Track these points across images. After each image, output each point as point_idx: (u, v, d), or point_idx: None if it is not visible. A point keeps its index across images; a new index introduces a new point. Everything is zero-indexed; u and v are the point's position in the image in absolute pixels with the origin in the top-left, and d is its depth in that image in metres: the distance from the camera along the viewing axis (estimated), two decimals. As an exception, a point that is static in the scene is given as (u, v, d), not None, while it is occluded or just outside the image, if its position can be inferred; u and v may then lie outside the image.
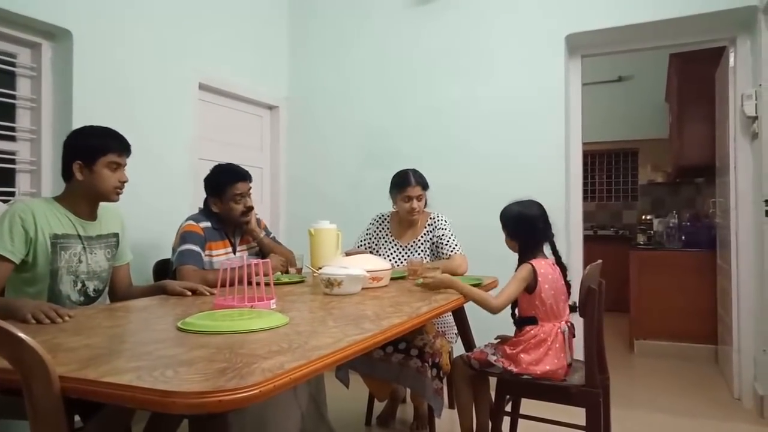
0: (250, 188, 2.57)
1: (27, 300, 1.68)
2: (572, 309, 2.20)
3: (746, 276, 3.15)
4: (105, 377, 1.00)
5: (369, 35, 3.91)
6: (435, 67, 3.70)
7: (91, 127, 1.99)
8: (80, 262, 1.93)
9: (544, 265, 2.11)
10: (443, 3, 3.68)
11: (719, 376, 3.77)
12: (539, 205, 2.25)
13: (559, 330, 2.08)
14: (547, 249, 2.22)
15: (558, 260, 2.20)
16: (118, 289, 2.14)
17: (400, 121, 3.78)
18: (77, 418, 1.67)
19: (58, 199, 1.94)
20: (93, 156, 1.89)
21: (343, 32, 3.99)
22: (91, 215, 1.99)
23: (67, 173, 1.92)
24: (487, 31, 3.57)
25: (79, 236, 1.93)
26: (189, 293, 2.00)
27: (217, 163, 2.63)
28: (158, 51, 3.00)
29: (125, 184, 1.99)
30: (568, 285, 2.18)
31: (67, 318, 1.53)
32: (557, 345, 2.05)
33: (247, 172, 2.57)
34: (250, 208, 2.56)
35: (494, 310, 2.06)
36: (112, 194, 1.95)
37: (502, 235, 2.79)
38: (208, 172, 2.60)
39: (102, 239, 2.02)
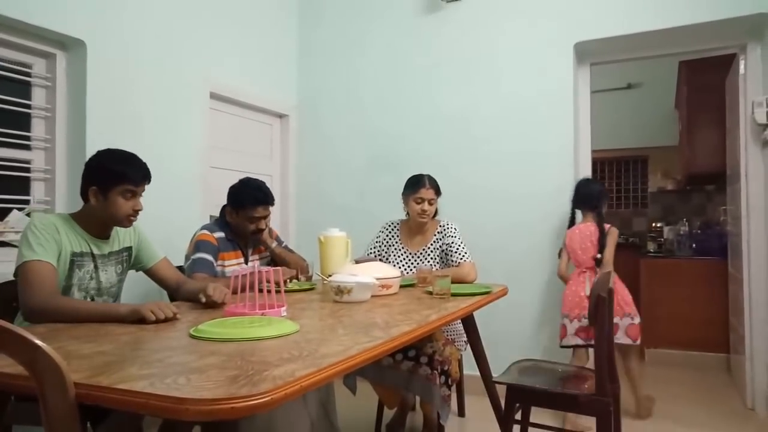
0: (270, 213, 2.57)
1: (138, 304, 1.70)
2: (597, 262, 3.04)
3: (758, 284, 3.12)
4: (118, 384, 1.01)
5: (378, 43, 3.93)
6: (444, 74, 3.71)
7: (113, 152, 1.95)
8: (91, 279, 1.95)
9: (578, 227, 3.14)
10: (452, 10, 3.70)
11: (732, 385, 3.73)
12: (583, 182, 3.25)
13: (580, 272, 3.08)
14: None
15: (600, 224, 3.07)
16: (169, 285, 2.15)
17: (409, 129, 3.80)
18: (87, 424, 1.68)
19: (74, 217, 1.95)
20: (108, 183, 1.88)
21: (353, 40, 4.02)
22: (105, 235, 2.00)
23: (83, 195, 1.92)
24: (496, 38, 3.58)
25: (92, 254, 1.94)
26: (203, 299, 1.98)
27: (247, 176, 2.63)
28: (170, 60, 3.04)
29: (139, 213, 1.98)
30: (601, 244, 3.02)
31: (178, 316, 1.64)
32: (580, 280, 3.04)
33: (271, 195, 2.56)
34: (261, 230, 2.56)
35: (563, 275, 3.19)
36: (124, 222, 1.95)
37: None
38: (222, 176, 2.59)
39: (113, 256, 2.03)
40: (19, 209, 2.41)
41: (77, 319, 1.64)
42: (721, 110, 3.97)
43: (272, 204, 2.56)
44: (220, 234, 2.50)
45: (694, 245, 4.56)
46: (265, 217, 2.55)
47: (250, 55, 3.71)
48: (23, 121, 2.52)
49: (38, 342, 1.00)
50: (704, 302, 4.19)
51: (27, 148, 2.52)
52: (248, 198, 2.49)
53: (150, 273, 2.17)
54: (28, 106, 2.53)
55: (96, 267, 1.96)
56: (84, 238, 1.92)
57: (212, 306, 1.88)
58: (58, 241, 1.82)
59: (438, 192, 2.81)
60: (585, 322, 2.94)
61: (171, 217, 2.94)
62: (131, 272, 2.19)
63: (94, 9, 2.62)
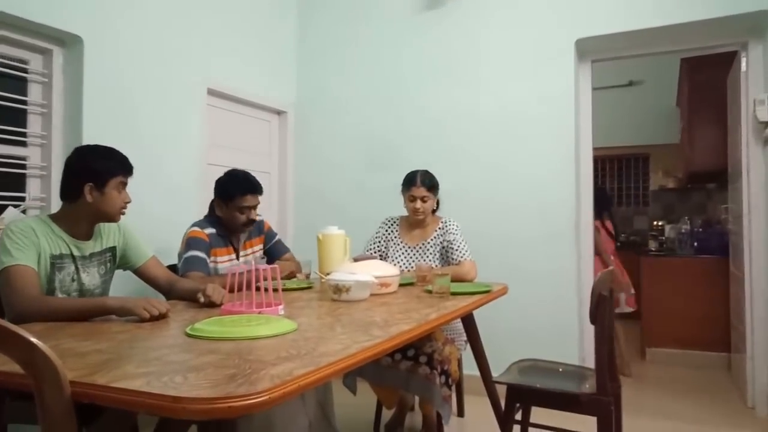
0: (259, 202, 2.56)
1: (128, 298, 1.72)
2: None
3: (759, 283, 3.11)
4: (115, 382, 1.00)
5: (377, 41, 3.91)
6: (443, 72, 3.69)
7: (95, 147, 1.95)
8: (73, 281, 1.91)
9: (605, 222, 4.00)
10: (451, 8, 3.68)
11: (732, 384, 3.72)
12: (599, 188, 3.74)
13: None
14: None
15: (612, 222, 4.08)
16: (159, 285, 2.12)
17: (408, 127, 3.78)
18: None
19: (53, 218, 1.91)
20: (104, 178, 1.86)
21: (351, 38, 3.99)
22: (87, 235, 1.96)
23: (71, 194, 1.88)
24: (496, 36, 3.56)
25: (73, 256, 1.90)
26: (202, 299, 1.97)
27: (232, 168, 2.62)
28: (168, 57, 3.02)
29: (128, 205, 1.97)
30: (612, 236, 4.04)
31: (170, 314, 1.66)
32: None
33: (259, 184, 2.55)
34: (252, 221, 2.55)
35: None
36: (117, 215, 1.94)
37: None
38: (221, 174, 2.59)
39: (95, 257, 1.99)
40: (15, 206, 2.39)
41: (65, 318, 1.62)
42: (723, 108, 3.96)
43: (260, 192, 2.55)
44: (211, 230, 2.49)
45: (695, 244, 4.54)
46: (255, 206, 2.54)
47: (249, 51, 3.69)
48: (19, 118, 2.50)
49: (34, 340, 0.99)
50: (705, 301, 4.18)
51: (23, 144, 2.50)
52: (236, 188, 2.48)
53: (139, 273, 2.13)
54: (25, 102, 2.51)
55: (77, 269, 1.92)
56: (63, 239, 1.88)
57: (210, 306, 1.86)
58: (36, 244, 1.79)
59: (432, 189, 2.78)
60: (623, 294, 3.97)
61: (168, 215, 2.92)
62: (119, 271, 2.15)
63: (92, 5, 2.60)
